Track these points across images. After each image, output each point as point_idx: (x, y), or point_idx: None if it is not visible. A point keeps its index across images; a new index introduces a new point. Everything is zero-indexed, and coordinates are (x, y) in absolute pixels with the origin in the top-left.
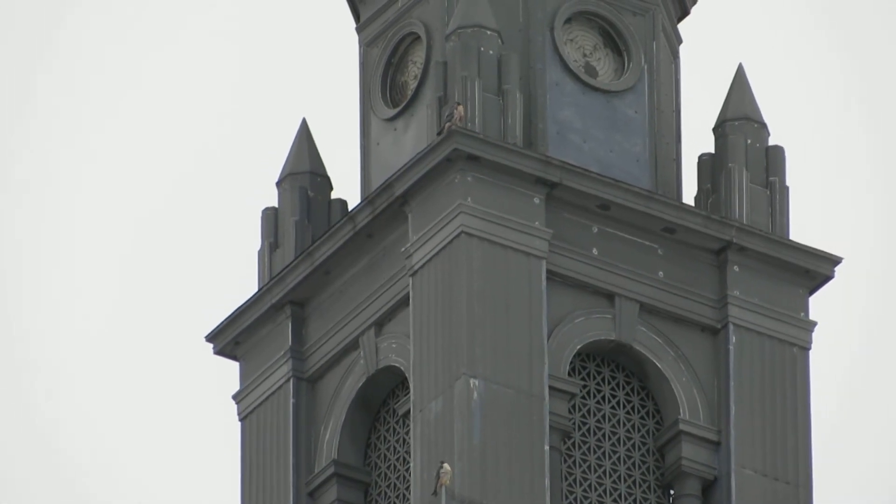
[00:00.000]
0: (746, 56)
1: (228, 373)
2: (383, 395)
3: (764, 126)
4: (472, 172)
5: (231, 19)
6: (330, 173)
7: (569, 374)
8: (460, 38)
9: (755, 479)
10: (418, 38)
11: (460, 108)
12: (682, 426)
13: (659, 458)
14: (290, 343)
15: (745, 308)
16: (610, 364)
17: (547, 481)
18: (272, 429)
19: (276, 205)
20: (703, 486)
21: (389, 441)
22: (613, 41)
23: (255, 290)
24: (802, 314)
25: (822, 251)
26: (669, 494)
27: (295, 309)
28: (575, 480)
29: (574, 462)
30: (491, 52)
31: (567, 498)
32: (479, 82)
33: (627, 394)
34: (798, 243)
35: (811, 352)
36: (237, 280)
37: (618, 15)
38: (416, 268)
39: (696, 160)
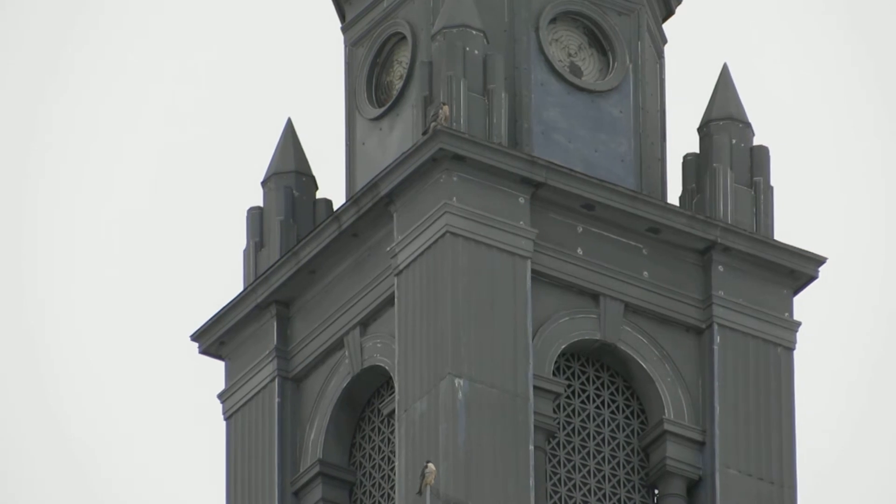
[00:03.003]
0: (731, 56)
1: (214, 372)
2: (368, 395)
3: (748, 126)
4: (458, 172)
5: (216, 18)
6: (315, 173)
7: (554, 374)
8: (446, 37)
9: (740, 479)
10: (404, 37)
11: (445, 107)
12: (666, 426)
13: (644, 457)
14: (275, 342)
15: (730, 308)
16: (595, 364)
17: (531, 481)
18: (257, 428)
19: (262, 204)
20: (687, 486)
21: (374, 441)
22: (598, 41)
23: (241, 289)
24: (787, 314)
25: (807, 251)
26: (654, 494)
27: (280, 308)
28: (560, 480)
29: (559, 461)
30: (476, 51)
31: (552, 497)
32: (465, 82)
33: (612, 393)
34: (783, 243)
35: (796, 352)
36: (222, 279)
37: (602, 15)
38: (401, 267)
39: (681, 160)
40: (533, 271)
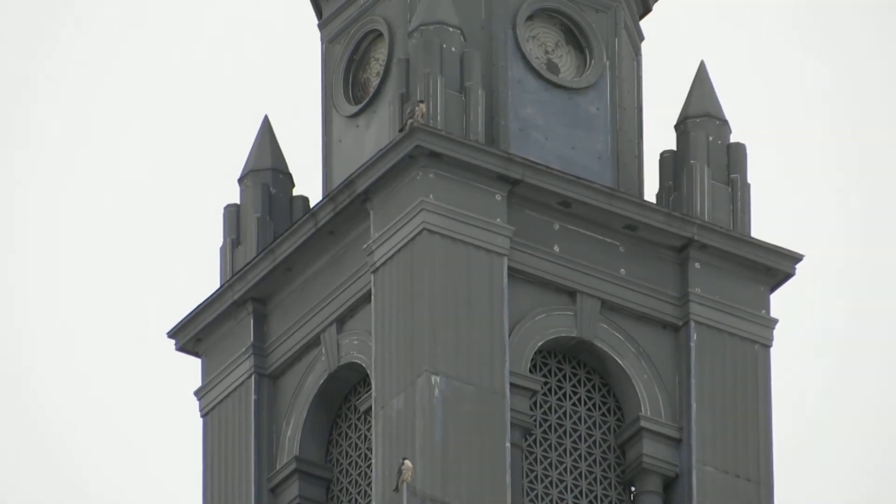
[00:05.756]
0: (708, 53)
1: (190, 369)
2: (345, 392)
3: (725, 123)
4: (434, 169)
5: (193, 15)
6: (292, 170)
7: (530, 371)
8: (423, 35)
9: (716, 476)
10: (381, 35)
11: (422, 105)
12: (643, 423)
13: (620, 454)
14: (251, 339)
15: (707, 305)
16: (571, 361)
17: (508, 478)
18: (234, 425)
19: (238, 201)
20: (664, 483)
21: (351, 438)
22: (575, 38)
23: (217, 286)
24: (764, 311)
25: (784, 248)
26: (630, 491)
27: (257, 305)
28: (536, 477)
29: (535, 459)
30: (453, 49)
31: (528, 495)
32: (442, 79)
33: (589, 391)
34: (759, 241)
35: (772, 349)
36: (199, 276)
37: (579, 12)
38: (377, 265)
39: (658, 157)
40: (509, 268)
